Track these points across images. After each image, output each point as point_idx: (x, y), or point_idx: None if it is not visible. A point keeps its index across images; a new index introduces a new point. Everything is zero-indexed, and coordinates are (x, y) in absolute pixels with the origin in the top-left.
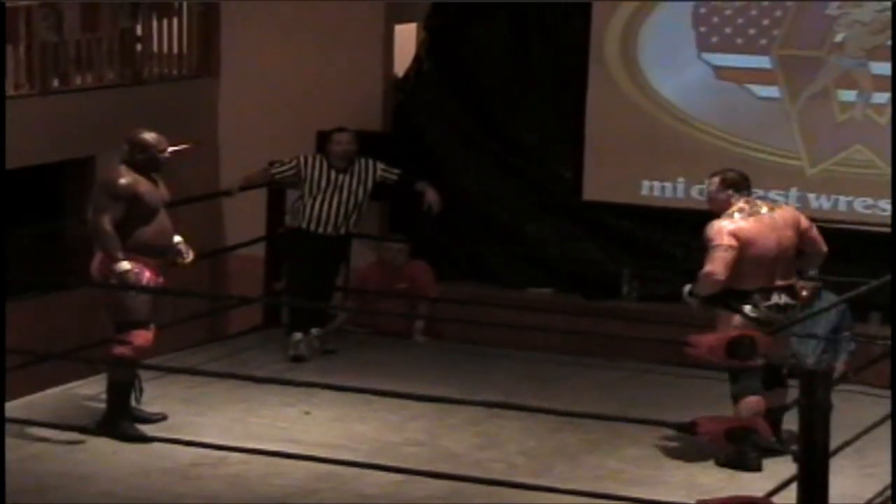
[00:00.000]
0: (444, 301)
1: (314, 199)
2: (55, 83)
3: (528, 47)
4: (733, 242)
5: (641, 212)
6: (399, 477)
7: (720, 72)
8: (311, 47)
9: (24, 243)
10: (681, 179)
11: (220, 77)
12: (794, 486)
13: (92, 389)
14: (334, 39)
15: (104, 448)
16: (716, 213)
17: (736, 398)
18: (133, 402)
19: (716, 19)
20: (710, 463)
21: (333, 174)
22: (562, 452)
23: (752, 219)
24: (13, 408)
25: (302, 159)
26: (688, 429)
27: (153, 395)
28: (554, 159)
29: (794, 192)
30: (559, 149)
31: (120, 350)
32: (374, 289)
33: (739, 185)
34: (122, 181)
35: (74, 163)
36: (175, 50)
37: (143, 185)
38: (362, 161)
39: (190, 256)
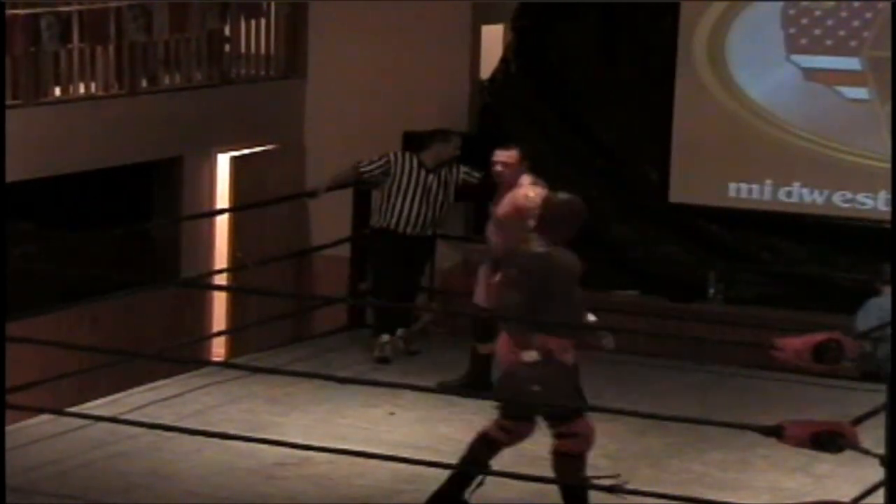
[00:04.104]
0: None
1: (403, 198)
2: (144, 83)
3: (615, 48)
4: None
5: (728, 214)
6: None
7: (809, 73)
8: (398, 48)
9: (112, 243)
10: (768, 181)
11: (307, 78)
12: (881, 492)
13: (176, 389)
14: (421, 41)
15: (189, 447)
16: (503, 184)
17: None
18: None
19: (805, 21)
20: (796, 467)
21: (423, 174)
22: (646, 455)
23: (543, 189)
24: (100, 405)
25: (392, 156)
26: (774, 433)
27: (238, 395)
28: (640, 160)
29: (882, 194)
30: (646, 150)
31: (565, 445)
32: (458, 290)
33: (527, 161)
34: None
35: (163, 163)
36: (262, 51)
37: None
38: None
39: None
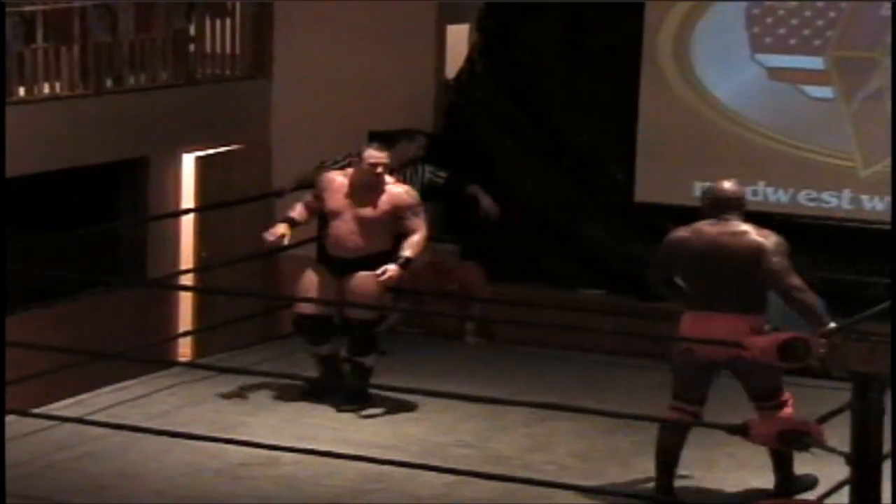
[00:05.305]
0: (495, 302)
1: None
2: (109, 83)
3: (581, 48)
4: None
5: (694, 213)
6: (449, 478)
7: (774, 73)
8: (364, 48)
9: (78, 243)
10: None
11: (273, 77)
12: (846, 490)
13: (144, 389)
14: (386, 40)
15: (156, 447)
16: (371, 186)
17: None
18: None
19: (769, 20)
20: (764, 465)
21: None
22: (614, 454)
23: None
24: (66, 406)
25: (356, 154)
26: (740, 431)
27: (205, 395)
28: (606, 160)
29: (847, 193)
30: (612, 150)
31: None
32: (424, 290)
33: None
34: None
35: (128, 163)
36: (228, 50)
37: None
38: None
39: None
